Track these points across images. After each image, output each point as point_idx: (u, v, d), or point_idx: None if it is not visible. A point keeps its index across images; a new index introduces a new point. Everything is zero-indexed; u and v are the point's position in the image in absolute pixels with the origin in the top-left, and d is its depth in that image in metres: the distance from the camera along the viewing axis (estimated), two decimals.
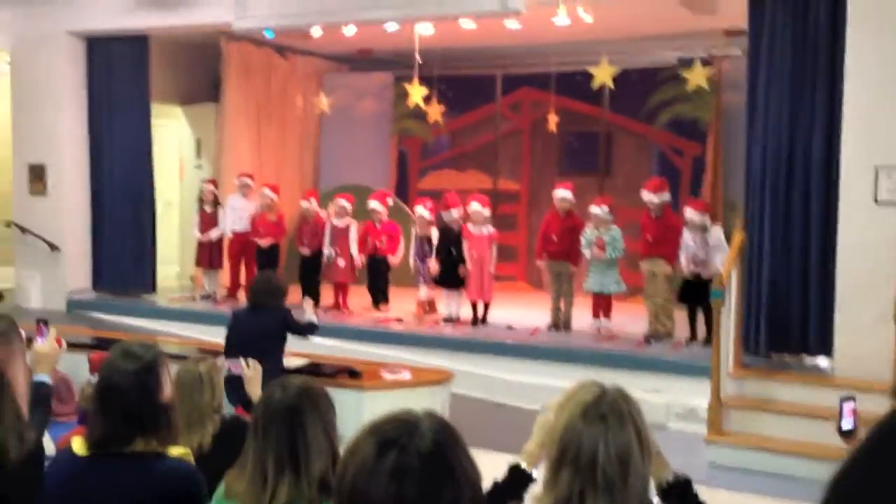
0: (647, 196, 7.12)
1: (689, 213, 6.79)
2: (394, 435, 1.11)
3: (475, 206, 7.74)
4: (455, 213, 7.78)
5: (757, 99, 6.11)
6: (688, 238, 6.78)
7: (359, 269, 8.38)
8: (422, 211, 8.06)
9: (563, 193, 7.49)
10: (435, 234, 7.95)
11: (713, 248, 6.65)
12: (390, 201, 8.65)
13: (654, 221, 7.09)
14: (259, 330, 4.90)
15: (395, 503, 1.06)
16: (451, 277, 7.75)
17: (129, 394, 2.14)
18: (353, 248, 8.25)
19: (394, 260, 8.26)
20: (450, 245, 7.75)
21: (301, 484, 1.92)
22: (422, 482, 1.07)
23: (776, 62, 6.01)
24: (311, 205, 8.57)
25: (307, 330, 5.29)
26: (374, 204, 8.26)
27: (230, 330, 5.05)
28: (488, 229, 7.75)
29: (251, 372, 3.51)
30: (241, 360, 3.66)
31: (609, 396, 1.71)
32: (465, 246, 7.73)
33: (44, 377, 2.64)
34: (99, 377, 2.27)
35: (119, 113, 8.92)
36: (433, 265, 7.80)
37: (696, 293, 6.62)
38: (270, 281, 5.25)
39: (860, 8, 5.61)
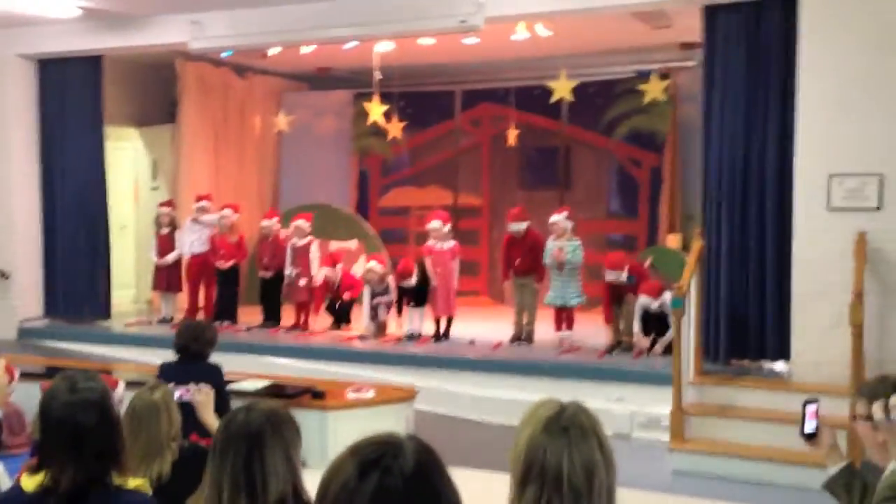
0: (611, 275, 7.06)
1: (644, 299, 6.83)
2: (376, 456, 1.10)
3: (435, 224, 7.70)
4: (413, 280, 7.66)
5: (712, 110, 6.21)
6: (643, 301, 6.85)
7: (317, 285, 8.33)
8: (374, 265, 7.88)
9: (514, 227, 7.50)
10: (391, 283, 7.87)
11: (666, 308, 6.66)
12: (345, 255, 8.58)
13: (621, 287, 7.12)
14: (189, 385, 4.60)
15: None
16: (414, 297, 7.73)
17: (65, 427, 2.07)
18: (314, 266, 8.17)
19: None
20: (411, 300, 7.76)
21: None
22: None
23: (730, 74, 6.12)
24: (273, 224, 8.49)
25: (226, 406, 4.21)
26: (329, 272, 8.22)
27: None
28: (450, 244, 7.74)
29: (202, 397, 3.44)
30: (193, 385, 3.58)
31: (569, 411, 1.73)
32: (428, 262, 7.71)
33: None
34: (46, 413, 2.17)
35: (72, 136, 8.74)
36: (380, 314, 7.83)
37: (655, 323, 6.76)
38: (197, 330, 4.69)
39: (812, 20, 5.73)
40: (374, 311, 7.85)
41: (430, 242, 7.74)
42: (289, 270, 8.22)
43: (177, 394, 3.75)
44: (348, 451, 1.13)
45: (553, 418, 1.69)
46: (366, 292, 7.91)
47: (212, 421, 3.37)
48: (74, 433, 2.06)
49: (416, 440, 1.15)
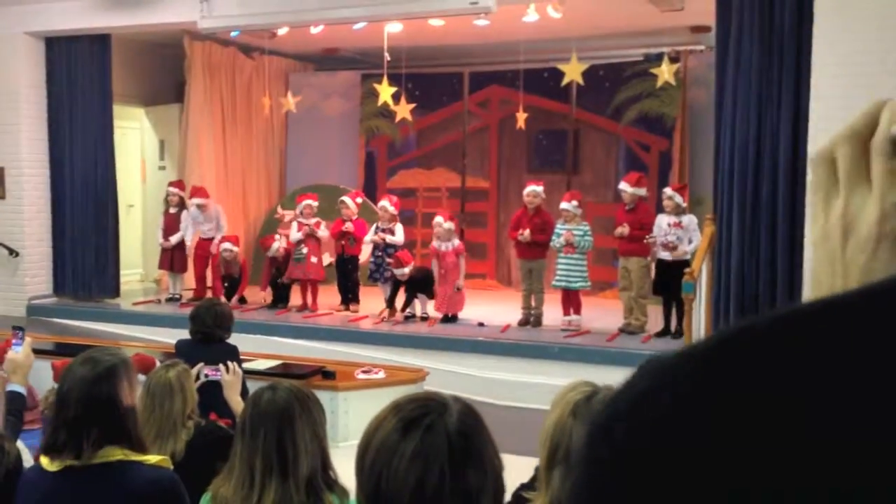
0: (624, 186, 7.15)
1: (669, 192, 6.83)
2: (418, 414, 1.10)
3: (437, 220, 7.64)
4: (406, 270, 7.59)
5: (725, 94, 6.19)
6: (662, 221, 6.84)
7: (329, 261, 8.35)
8: (385, 204, 7.99)
9: (533, 188, 7.49)
10: (400, 230, 7.92)
11: (686, 231, 6.70)
12: (360, 200, 8.60)
13: (628, 215, 7.12)
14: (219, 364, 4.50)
15: (418, 483, 1.04)
16: (420, 285, 7.71)
17: (83, 400, 2.08)
18: (324, 237, 8.18)
19: (361, 259, 8.24)
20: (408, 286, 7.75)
21: (289, 486, 1.89)
22: (447, 463, 1.06)
23: (743, 58, 6.09)
24: (283, 213, 8.53)
25: (244, 386, 3.95)
26: (346, 200, 8.24)
27: None
28: (454, 244, 7.69)
29: (231, 377, 3.44)
30: (221, 365, 3.59)
31: (600, 395, 1.71)
32: (434, 264, 7.69)
33: (18, 387, 2.56)
34: (61, 389, 2.19)
35: (80, 115, 8.74)
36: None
37: (669, 281, 6.62)
38: (219, 317, 4.53)
39: (825, 3, 5.69)
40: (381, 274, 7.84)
41: (435, 243, 7.69)
42: (298, 248, 8.22)
43: (206, 372, 3.76)
44: (390, 409, 1.14)
45: (581, 402, 1.68)
46: (367, 248, 7.98)
47: (237, 401, 3.37)
48: (89, 409, 2.06)
49: (460, 401, 1.15)
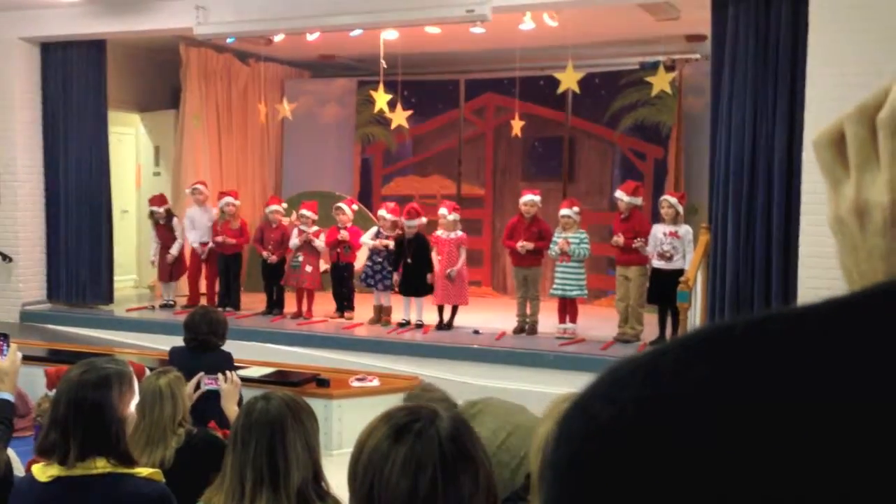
0: (620, 194, 7.16)
1: (672, 200, 6.84)
2: (409, 421, 1.10)
3: (442, 212, 7.73)
4: (417, 223, 7.65)
5: (720, 103, 6.20)
6: (657, 231, 6.83)
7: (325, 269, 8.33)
8: (382, 213, 7.99)
9: (530, 197, 7.48)
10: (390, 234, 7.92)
11: (682, 242, 6.70)
12: (355, 207, 8.59)
13: (622, 224, 7.13)
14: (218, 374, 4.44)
15: (410, 490, 1.04)
16: (414, 285, 7.70)
17: (71, 402, 2.07)
18: (320, 243, 8.16)
19: (356, 265, 8.22)
20: (408, 254, 7.68)
21: (280, 497, 1.88)
22: (439, 469, 1.05)
23: (739, 67, 6.10)
24: (279, 209, 8.48)
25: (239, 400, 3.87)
26: (343, 206, 8.23)
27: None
28: (456, 233, 7.71)
29: (230, 386, 3.43)
30: (220, 375, 3.57)
31: None
32: (434, 251, 7.72)
33: (6, 395, 2.54)
34: (58, 397, 2.19)
35: (75, 120, 8.72)
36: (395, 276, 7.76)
37: (664, 290, 6.62)
38: (214, 323, 4.50)
39: (820, 13, 5.71)
40: (372, 275, 7.80)
41: (438, 232, 7.75)
42: (295, 255, 8.20)
43: (205, 381, 3.75)
44: (381, 417, 1.14)
45: None
46: (363, 253, 7.96)
47: (233, 410, 3.36)
48: (75, 412, 2.05)
49: (450, 410, 1.16)
